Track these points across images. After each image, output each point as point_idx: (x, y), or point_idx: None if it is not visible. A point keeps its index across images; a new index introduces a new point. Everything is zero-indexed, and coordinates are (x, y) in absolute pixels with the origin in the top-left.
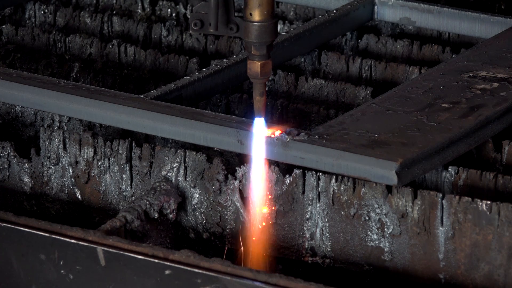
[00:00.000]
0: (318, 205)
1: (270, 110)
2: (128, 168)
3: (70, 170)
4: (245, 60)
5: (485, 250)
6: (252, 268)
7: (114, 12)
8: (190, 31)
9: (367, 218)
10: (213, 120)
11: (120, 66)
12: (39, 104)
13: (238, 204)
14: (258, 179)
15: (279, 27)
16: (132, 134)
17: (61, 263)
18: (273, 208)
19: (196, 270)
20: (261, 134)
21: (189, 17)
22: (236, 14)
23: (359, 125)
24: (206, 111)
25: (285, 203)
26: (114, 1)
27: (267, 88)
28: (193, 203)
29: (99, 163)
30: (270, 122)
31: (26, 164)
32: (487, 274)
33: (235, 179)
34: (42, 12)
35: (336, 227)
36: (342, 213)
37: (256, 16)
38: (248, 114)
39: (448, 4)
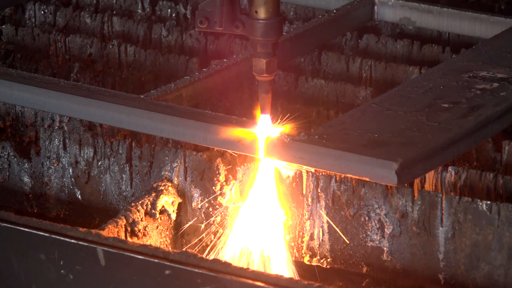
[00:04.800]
0: (318, 205)
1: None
2: (128, 168)
3: (70, 170)
4: (245, 60)
5: (485, 250)
6: (253, 268)
7: (114, 12)
8: (196, 29)
9: (367, 218)
10: (213, 120)
11: (120, 66)
12: (39, 104)
13: (238, 204)
14: (259, 179)
15: None
16: (132, 134)
17: (61, 263)
18: (274, 208)
19: (196, 270)
20: (264, 133)
21: (189, 17)
22: (241, 12)
23: (359, 125)
24: (206, 111)
25: (285, 203)
26: (114, 1)
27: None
28: (193, 203)
29: (99, 163)
30: (271, 122)
31: (26, 164)
32: (487, 274)
33: (236, 179)
34: (42, 12)
35: (336, 227)
36: (342, 213)
37: (262, 13)
38: (248, 114)
39: (448, 4)
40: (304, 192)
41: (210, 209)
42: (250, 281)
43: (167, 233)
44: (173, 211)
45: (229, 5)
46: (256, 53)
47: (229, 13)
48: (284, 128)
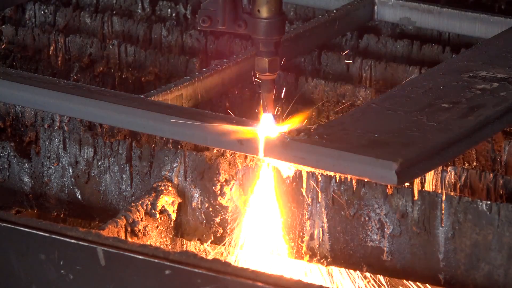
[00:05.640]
0: (318, 205)
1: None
2: (128, 168)
3: (70, 170)
4: (245, 60)
5: (485, 250)
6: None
7: (114, 12)
8: (199, 28)
9: (367, 218)
10: (213, 120)
11: (120, 66)
12: (39, 104)
13: (238, 204)
14: (259, 179)
15: None
16: (132, 134)
17: (61, 263)
18: (274, 208)
19: (196, 270)
20: (263, 133)
21: (189, 17)
22: (244, 11)
23: (359, 125)
24: (206, 111)
25: (285, 203)
26: (114, 1)
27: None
28: (193, 203)
29: (99, 163)
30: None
31: (26, 164)
32: (487, 274)
33: (236, 179)
34: (42, 12)
35: (336, 227)
36: (342, 213)
37: (264, 12)
38: (248, 114)
39: (448, 4)
40: (304, 192)
41: (210, 209)
42: (250, 281)
43: (167, 233)
44: (173, 211)
45: (231, 4)
46: (259, 52)
47: (231, 12)
48: (284, 128)
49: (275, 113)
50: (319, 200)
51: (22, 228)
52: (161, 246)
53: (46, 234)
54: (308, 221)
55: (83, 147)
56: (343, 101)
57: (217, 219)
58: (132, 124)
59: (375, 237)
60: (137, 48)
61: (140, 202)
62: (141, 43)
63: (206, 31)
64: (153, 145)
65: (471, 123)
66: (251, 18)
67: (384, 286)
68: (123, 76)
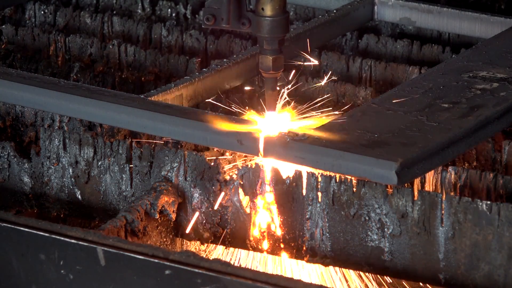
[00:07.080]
0: (318, 205)
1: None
2: (128, 168)
3: (70, 170)
4: (245, 60)
5: (485, 250)
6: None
7: (114, 12)
8: (203, 26)
9: (367, 218)
10: (213, 120)
11: (120, 66)
12: (39, 104)
13: (238, 205)
14: (259, 179)
15: None
16: (132, 134)
17: (61, 263)
18: (273, 208)
19: (196, 270)
20: (263, 133)
21: (189, 17)
22: (248, 9)
23: (359, 125)
24: (206, 111)
25: (285, 203)
26: (114, 1)
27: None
28: (193, 203)
29: (99, 163)
30: (273, 122)
31: (26, 164)
32: (487, 274)
33: (236, 179)
34: (42, 12)
35: (336, 227)
36: (342, 213)
37: (268, 11)
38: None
39: (448, 4)
40: (304, 192)
41: (210, 209)
42: (250, 281)
43: (167, 233)
44: (173, 211)
45: (235, 2)
46: (263, 50)
47: (235, 10)
48: (284, 128)
49: (276, 112)
50: (319, 200)
51: (22, 228)
52: (161, 246)
53: (46, 234)
54: (308, 221)
55: (83, 147)
56: (343, 101)
57: (217, 219)
58: (132, 124)
59: (375, 237)
60: (137, 48)
61: (140, 202)
62: (141, 43)
63: (206, 30)
64: (153, 145)
65: (471, 123)
66: (255, 16)
67: (385, 286)
68: (123, 76)
